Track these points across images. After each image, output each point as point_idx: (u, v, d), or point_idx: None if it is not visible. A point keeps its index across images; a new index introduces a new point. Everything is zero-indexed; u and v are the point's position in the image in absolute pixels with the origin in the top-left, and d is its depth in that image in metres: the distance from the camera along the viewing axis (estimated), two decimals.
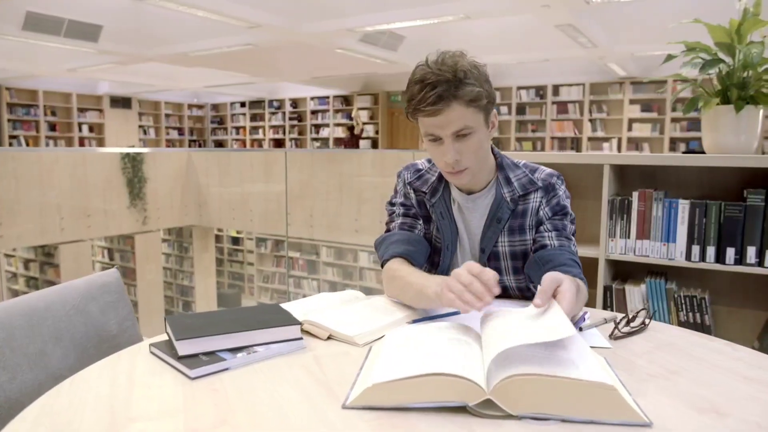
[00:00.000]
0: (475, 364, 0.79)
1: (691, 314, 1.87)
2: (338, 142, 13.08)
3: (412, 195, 1.33)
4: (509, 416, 0.72)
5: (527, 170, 1.30)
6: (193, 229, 9.45)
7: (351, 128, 11.91)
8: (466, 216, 1.29)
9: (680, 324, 1.88)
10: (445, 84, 1.11)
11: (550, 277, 0.94)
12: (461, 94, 1.11)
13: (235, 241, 11.84)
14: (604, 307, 1.98)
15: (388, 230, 1.34)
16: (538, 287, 0.94)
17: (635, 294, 1.94)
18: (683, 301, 1.88)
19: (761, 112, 1.90)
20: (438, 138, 1.16)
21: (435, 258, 1.32)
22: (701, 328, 1.86)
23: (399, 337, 0.94)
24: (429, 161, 1.37)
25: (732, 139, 1.90)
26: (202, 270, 9.91)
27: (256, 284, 10.84)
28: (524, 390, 0.72)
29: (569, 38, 6.97)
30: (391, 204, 1.36)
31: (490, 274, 0.95)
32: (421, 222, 1.32)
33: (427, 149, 1.22)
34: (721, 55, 1.90)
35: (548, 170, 1.30)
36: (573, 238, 1.25)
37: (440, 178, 1.31)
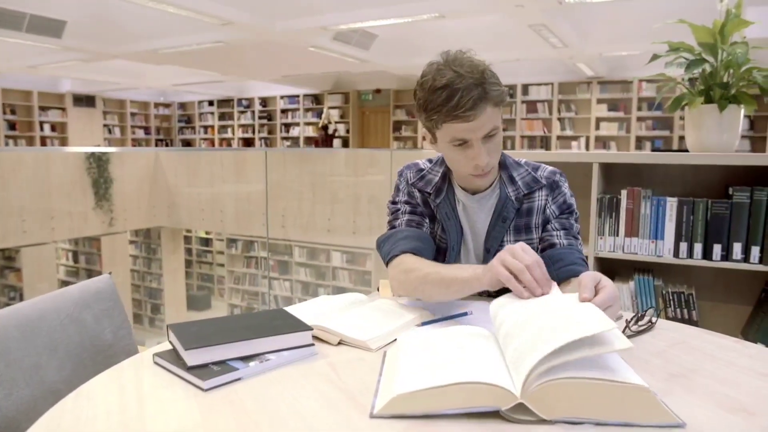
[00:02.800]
0: (499, 368, 0.77)
1: (678, 310, 1.90)
2: (309, 141, 12.97)
3: (417, 194, 1.31)
4: (542, 421, 0.71)
5: (529, 168, 1.29)
6: (162, 230, 9.24)
7: (324, 127, 11.82)
8: (471, 216, 1.27)
9: (668, 320, 1.90)
10: (476, 87, 1.08)
11: (590, 275, 0.93)
12: (491, 96, 1.10)
13: (205, 242, 11.62)
14: None
15: (392, 227, 1.30)
16: (581, 283, 0.92)
17: (624, 291, 1.96)
18: (671, 298, 1.91)
19: (742, 111, 1.94)
20: (465, 141, 1.13)
21: (438, 258, 1.30)
22: (689, 323, 1.88)
23: (414, 341, 0.92)
24: (429, 161, 1.34)
25: (715, 137, 1.94)
26: (171, 272, 9.70)
27: (227, 285, 10.67)
28: (558, 394, 0.71)
29: (541, 38, 7.06)
30: (394, 202, 1.33)
31: (543, 268, 0.94)
32: (427, 221, 1.30)
33: (451, 155, 1.19)
34: (704, 55, 1.94)
35: (550, 168, 1.30)
36: (579, 237, 1.25)
37: (443, 178, 1.29)
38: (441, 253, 1.29)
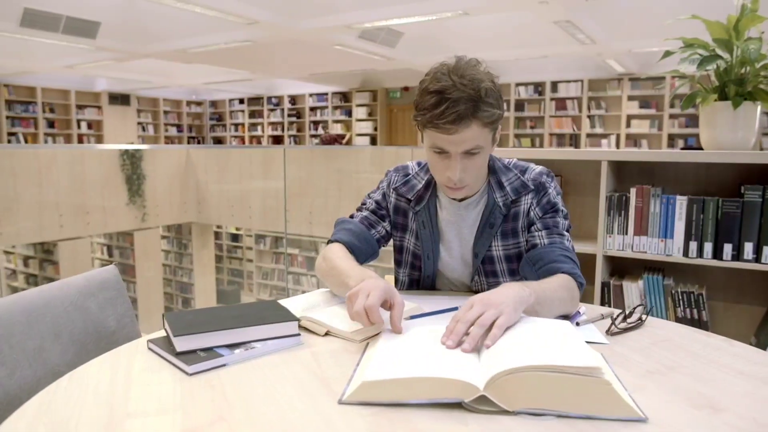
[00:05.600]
0: (470, 365, 0.79)
1: (688, 310, 1.88)
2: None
3: (392, 199, 1.33)
4: (505, 412, 0.73)
5: (518, 171, 1.28)
6: (192, 225, 9.44)
7: (324, 127, 12.25)
8: (458, 222, 1.28)
9: (677, 320, 1.88)
10: (466, 102, 1.06)
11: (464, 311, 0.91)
12: (480, 115, 1.07)
13: (235, 237, 11.83)
14: (602, 303, 1.98)
15: (351, 216, 1.36)
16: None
17: (633, 290, 1.95)
18: (680, 297, 1.88)
19: (759, 108, 1.90)
20: (445, 151, 1.13)
21: (416, 263, 1.32)
22: (698, 323, 1.86)
23: (395, 335, 0.94)
24: (419, 164, 1.35)
25: (729, 135, 1.90)
26: (201, 267, 9.91)
27: (255, 281, 10.84)
28: (519, 385, 0.73)
29: (567, 34, 6.96)
30: (369, 196, 1.38)
31: (396, 312, 0.96)
32: (384, 225, 1.33)
33: (429, 160, 1.20)
34: (719, 52, 1.90)
35: (538, 169, 1.29)
36: (566, 234, 1.24)
37: (427, 185, 1.30)
38: (418, 259, 1.31)
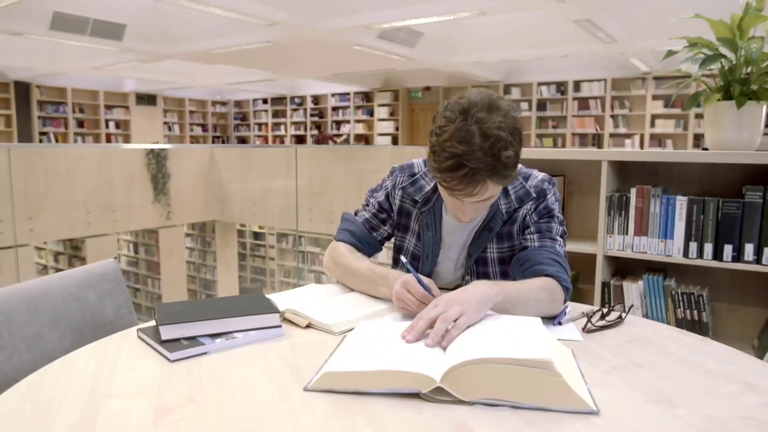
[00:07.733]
0: (433, 359, 0.82)
1: (688, 311, 1.87)
2: (359, 138, 13.19)
3: (397, 200, 1.34)
4: (461, 402, 0.76)
5: (521, 178, 1.27)
6: (216, 224, 9.61)
7: (318, 126, 12.70)
8: (461, 225, 1.29)
9: (677, 321, 1.87)
10: (485, 172, 1.03)
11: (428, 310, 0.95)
12: (497, 180, 1.06)
13: (257, 236, 11.99)
14: (602, 303, 1.98)
15: (355, 213, 1.39)
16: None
17: (633, 290, 1.95)
18: (681, 298, 1.87)
19: (764, 108, 1.88)
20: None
21: (414, 263, 1.34)
22: (699, 325, 1.85)
23: (370, 329, 0.98)
24: (425, 163, 1.34)
25: (733, 135, 1.88)
26: (224, 264, 10.07)
27: (277, 279, 10.97)
28: (473, 377, 0.75)
29: (588, 33, 6.89)
30: (372, 195, 1.39)
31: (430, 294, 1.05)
32: (386, 228, 1.36)
33: (441, 191, 1.19)
34: (724, 51, 1.89)
35: (540, 176, 1.28)
36: (559, 239, 1.24)
37: (435, 188, 1.30)
38: (416, 260, 1.34)
